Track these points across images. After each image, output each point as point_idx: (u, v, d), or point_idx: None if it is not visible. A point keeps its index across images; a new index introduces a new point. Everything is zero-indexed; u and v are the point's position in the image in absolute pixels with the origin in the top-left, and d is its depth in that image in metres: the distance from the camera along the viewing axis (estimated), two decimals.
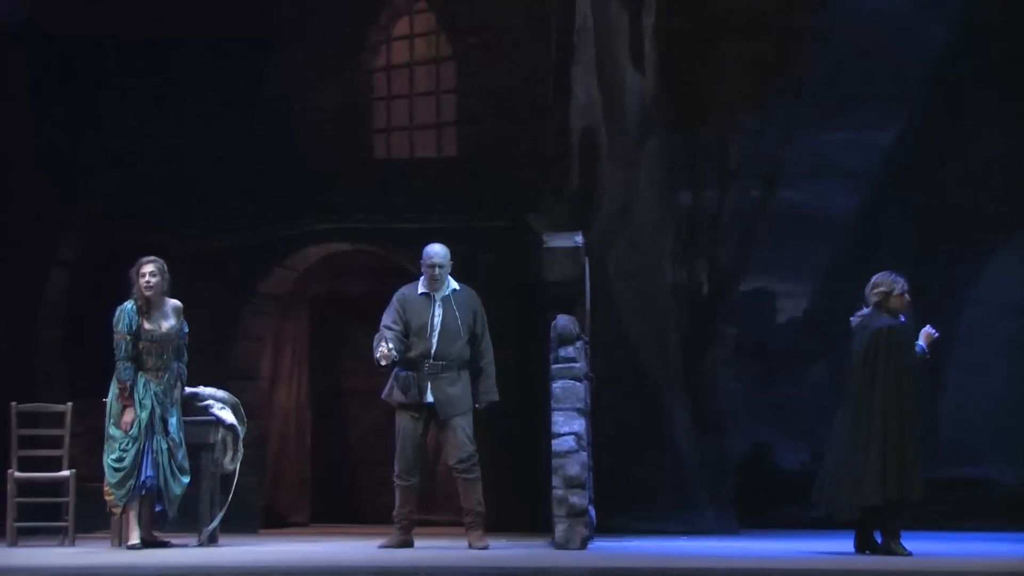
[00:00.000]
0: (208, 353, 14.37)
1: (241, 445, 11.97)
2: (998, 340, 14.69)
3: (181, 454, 11.30)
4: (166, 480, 11.17)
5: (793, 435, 14.79)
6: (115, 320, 11.31)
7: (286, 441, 15.61)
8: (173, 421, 11.29)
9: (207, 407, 11.82)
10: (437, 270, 11.40)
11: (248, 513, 13.73)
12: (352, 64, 15.51)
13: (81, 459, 12.65)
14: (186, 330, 11.56)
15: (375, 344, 11.30)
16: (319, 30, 15.35)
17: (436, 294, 11.42)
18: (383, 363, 11.20)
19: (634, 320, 13.96)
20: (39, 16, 15.30)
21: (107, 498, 11.26)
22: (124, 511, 11.20)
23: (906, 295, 10.77)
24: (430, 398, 11.33)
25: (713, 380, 14.68)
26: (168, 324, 11.39)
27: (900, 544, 10.57)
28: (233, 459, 11.92)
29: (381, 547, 11.36)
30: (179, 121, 15.09)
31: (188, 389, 11.77)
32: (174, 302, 11.52)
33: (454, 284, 11.52)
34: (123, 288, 11.45)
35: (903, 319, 10.78)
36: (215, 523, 11.70)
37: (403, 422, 11.41)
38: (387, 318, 11.41)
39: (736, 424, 14.67)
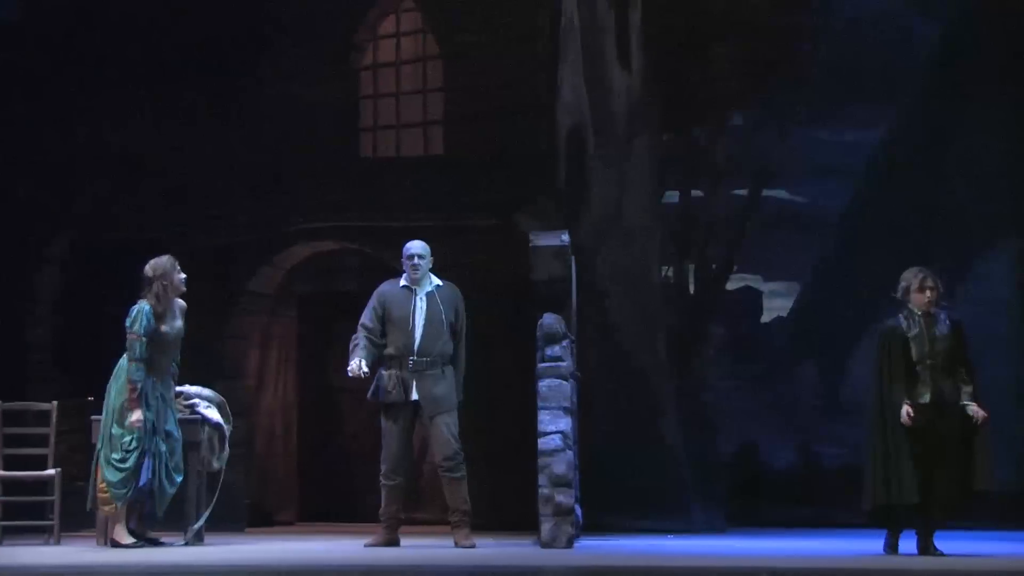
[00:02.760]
0: (195, 351, 14.34)
1: (227, 444, 11.95)
2: (990, 339, 14.66)
3: (179, 454, 11.30)
4: (160, 482, 11.17)
5: (782, 434, 14.81)
6: (130, 321, 11.21)
7: (273, 440, 15.60)
8: (172, 421, 11.30)
9: (193, 406, 11.81)
10: (416, 259, 11.37)
11: (235, 512, 13.72)
12: (339, 63, 15.50)
13: (67, 457, 12.63)
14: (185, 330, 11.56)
15: (350, 348, 11.35)
16: (306, 29, 15.34)
17: (419, 289, 11.39)
18: (351, 375, 11.25)
19: (622, 319, 13.96)
20: (32, 14, 15.29)
21: (101, 495, 11.23)
22: (117, 510, 11.17)
23: (928, 291, 10.59)
24: (415, 395, 11.30)
25: (701, 379, 14.69)
26: (177, 325, 11.38)
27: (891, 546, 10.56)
28: (219, 458, 11.90)
29: (367, 546, 11.35)
30: (169, 120, 15.09)
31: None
32: (181, 303, 11.49)
33: (437, 280, 11.50)
34: (127, 286, 11.42)
35: (940, 314, 10.63)
36: (201, 521, 11.68)
37: (388, 421, 11.39)
38: (364, 316, 11.43)
39: (724, 423, 14.68)
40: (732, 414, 14.70)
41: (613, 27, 14.09)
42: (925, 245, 14.60)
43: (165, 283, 11.29)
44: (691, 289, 14.83)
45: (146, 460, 11.10)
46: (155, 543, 11.30)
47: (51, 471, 12.18)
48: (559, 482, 11.21)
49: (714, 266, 14.89)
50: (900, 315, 10.65)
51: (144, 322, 11.18)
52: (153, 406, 11.18)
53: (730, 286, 14.93)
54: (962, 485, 10.54)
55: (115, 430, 11.16)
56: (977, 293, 14.78)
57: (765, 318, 15.16)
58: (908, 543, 10.60)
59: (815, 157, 14.91)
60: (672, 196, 14.71)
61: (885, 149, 15.08)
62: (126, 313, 11.30)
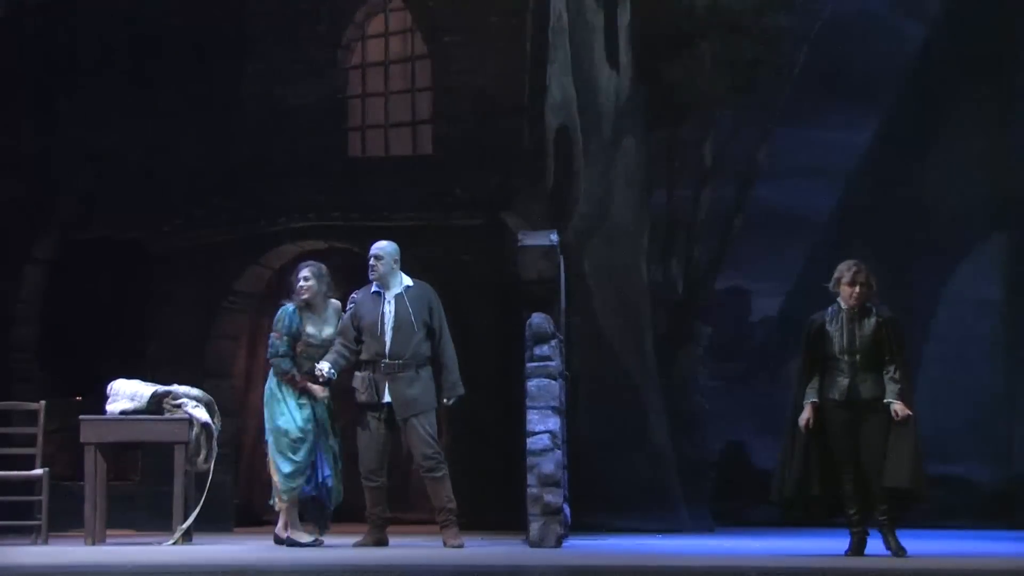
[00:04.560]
0: (183, 351, 14.37)
1: (215, 443, 11.95)
2: (974, 338, 14.73)
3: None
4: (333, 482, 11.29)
5: (768, 434, 14.79)
6: (275, 320, 11.32)
7: (261, 439, 15.55)
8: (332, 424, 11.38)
9: (181, 405, 11.79)
10: (372, 260, 11.31)
11: (223, 511, 13.74)
12: (327, 62, 15.50)
13: (55, 457, 12.61)
14: None
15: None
16: (295, 28, 15.34)
17: (387, 292, 11.31)
18: (320, 380, 11.23)
19: (610, 319, 13.98)
20: (14, 13, 15.26)
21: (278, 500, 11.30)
22: (289, 505, 11.24)
23: (858, 286, 10.29)
24: (387, 398, 11.25)
25: (689, 378, 14.70)
26: (329, 330, 11.36)
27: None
28: (207, 458, 11.89)
29: (356, 546, 11.34)
30: (155, 119, 15.08)
31: (161, 387, 11.76)
32: (335, 303, 11.50)
33: (407, 281, 11.38)
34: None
35: (872, 309, 10.45)
36: (189, 521, 11.67)
37: (364, 423, 11.35)
38: (340, 322, 11.38)
39: (711, 422, 14.70)
40: (720, 413, 14.72)
41: (601, 27, 14.12)
42: (910, 244, 14.66)
43: (293, 287, 11.38)
44: (678, 288, 14.84)
45: (319, 457, 11.21)
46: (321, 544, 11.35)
47: (39, 471, 12.13)
48: (547, 481, 11.22)
49: (702, 266, 14.91)
50: (830, 308, 10.50)
51: (287, 322, 11.28)
52: (308, 404, 11.24)
53: (717, 286, 14.96)
54: (878, 483, 10.34)
55: (281, 423, 11.24)
56: (962, 293, 14.84)
57: (752, 318, 15.19)
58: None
59: (801, 157, 14.94)
60: (660, 196, 14.73)
61: (871, 148, 15.12)
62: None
